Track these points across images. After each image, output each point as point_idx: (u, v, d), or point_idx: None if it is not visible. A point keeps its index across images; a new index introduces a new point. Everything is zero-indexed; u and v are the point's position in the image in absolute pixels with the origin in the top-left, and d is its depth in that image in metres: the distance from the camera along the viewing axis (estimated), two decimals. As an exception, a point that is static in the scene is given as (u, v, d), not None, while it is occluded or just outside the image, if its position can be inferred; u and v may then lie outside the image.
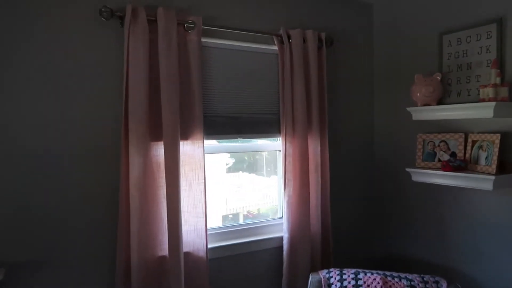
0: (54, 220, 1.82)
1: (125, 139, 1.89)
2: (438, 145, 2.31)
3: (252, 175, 2.61)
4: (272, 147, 2.54)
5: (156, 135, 1.96)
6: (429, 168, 2.28)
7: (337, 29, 2.62)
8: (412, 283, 2.05)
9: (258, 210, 2.63)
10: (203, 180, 2.08)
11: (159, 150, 1.97)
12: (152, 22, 1.94)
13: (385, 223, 2.77)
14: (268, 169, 2.69)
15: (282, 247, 2.39)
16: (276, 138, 2.50)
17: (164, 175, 1.96)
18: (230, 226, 2.37)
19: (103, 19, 1.87)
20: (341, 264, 2.61)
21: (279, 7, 2.41)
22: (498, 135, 1.97)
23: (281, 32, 2.33)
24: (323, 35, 2.45)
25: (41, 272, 1.79)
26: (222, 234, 2.31)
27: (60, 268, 1.83)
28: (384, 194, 2.76)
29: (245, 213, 2.58)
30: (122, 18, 1.90)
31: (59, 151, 1.82)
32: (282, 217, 2.50)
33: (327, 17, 2.59)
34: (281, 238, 2.40)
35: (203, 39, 2.09)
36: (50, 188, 1.81)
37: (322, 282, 2.14)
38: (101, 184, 1.92)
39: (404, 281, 2.06)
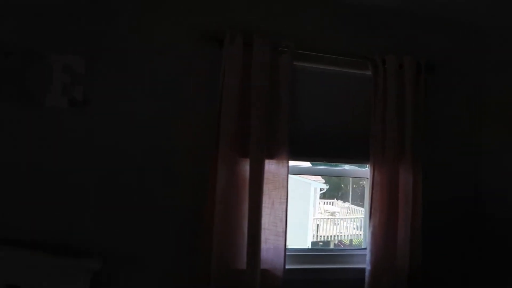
0: (147, 223, 2.01)
1: (215, 153, 2.02)
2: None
3: (347, 203, 2.56)
4: (359, 174, 2.46)
5: (244, 152, 2.05)
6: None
7: (440, 54, 2.47)
8: None
9: (350, 241, 2.56)
10: (285, 200, 2.10)
11: (245, 166, 2.06)
12: (247, 46, 2.06)
13: (492, 272, 2.43)
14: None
15: (362, 279, 2.26)
16: (364, 165, 2.42)
17: (248, 191, 2.03)
18: (309, 250, 2.34)
19: (204, 42, 2.06)
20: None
21: (375, 31, 2.37)
22: None
23: (375, 57, 2.29)
24: (423, 60, 2.34)
25: (131, 268, 1.98)
26: (300, 256, 2.28)
27: (146, 267, 2.00)
28: (495, 239, 2.43)
29: (336, 242, 2.53)
30: (220, 41, 2.07)
31: (152, 157, 2.02)
32: (366, 248, 2.39)
33: (430, 42, 2.46)
34: (363, 270, 2.28)
35: (295, 63, 2.16)
36: (145, 192, 2.01)
37: (405, 325, 1.96)
38: (188, 194, 2.06)
39: None
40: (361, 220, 2.50)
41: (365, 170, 2.43)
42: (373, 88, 2.30)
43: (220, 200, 1.98)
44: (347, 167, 2.45)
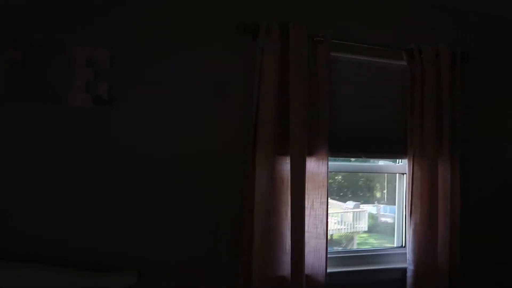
0: (181, 230, 1.85)
1: (253, 153, 1.87)
2: None
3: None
4: (394, 169, 2.36)
5: (283, 149, 1.91)
6: None
7: (475, 44, 2.38)
8: None
9: (331, 235, 2.51)
10: (326, 200, 1.98)
11: (284, 165, 1.92)
12: (284, 37, 1.92)
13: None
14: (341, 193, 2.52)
15: (403, 279, 2.17)
16: (396, 160, 2.33)
17: (288, 191, 1.90)
18: (343, 252, 2.23)
19: (239, 34, 1.90)
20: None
21: (411, 20, 2.27)
22: None
23: (411, 46, 2.18)
24: (458, 50, 2.24)
25: (167, 280, 1.82)
26: (336, 258, 2.17)
27: (185, 278, 1.84)
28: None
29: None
30: (255, 33, 1.91)
31: (186, 160, 1.85)
32: (402, 247, 2.30)
33: (464, 31, 2.38)
34: (402, 270, 2.19)
35: (331, 53, 2.03)
36: (178, 197, 1.84)
37: (457, 326, 1.88)
38: (225, 198, 1.91)
39: None
40: (341, 215, 2.42)
41: (400, 166, 2.33)
42: (409, 79, 2.19)
43: (259, 202, 1.84)
44: (381, 162, 2.34)
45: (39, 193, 1.65)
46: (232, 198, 1.91)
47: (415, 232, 2.13)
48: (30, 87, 1.63)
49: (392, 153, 2.24)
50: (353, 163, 2.32)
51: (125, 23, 1.77)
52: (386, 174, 2.47)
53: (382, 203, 2.61)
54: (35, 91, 1.63)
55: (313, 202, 1.98)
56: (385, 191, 2.60)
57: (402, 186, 2.35)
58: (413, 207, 2.14)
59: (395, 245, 2.36)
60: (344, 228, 2.60)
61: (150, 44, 1.81)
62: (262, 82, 1.86)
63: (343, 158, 2.25)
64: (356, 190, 2.58)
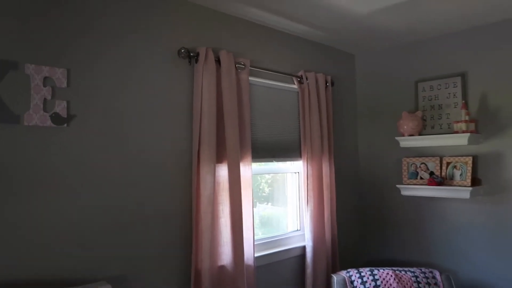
0: (138, 237, 2.00)
1: (198, 162, 2.17)
2: (419, 166, 2.97)
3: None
4: (291, 169, 2.97)
5: (220, 157, 2.26)
6: (415, 184, 2.93)
7: (334, 73, 3.21)
8: (415, 273, 2.61)
9: None
10: (251, 197, 2.42)
11: (221, 171, 2.27)
12: (217, 62, 2.28)
13: (376, 232, 3.34)
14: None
15: (302, 255, 2.79)
16: (293, 162, 2.95)
17: (224, 193, 2.27)
18: (257, 240, 2.70)
19: (181, 58, 2.17)
20: (345, 268, 3.08)
21: (297, 54, 2.92)
22: (471, 157, 2.69)
23: (300, 74, 2.83)
24: (329, 77, 3.01)
25: (128, 286, 1.95)
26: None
27: (145, 282, 2.00)
28: (373, 208, 3.34)
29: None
30: (194, 58, 2.21)
31: (140, 174, 2.02)
32: (298, 230, 2.93)
33: (328, 64, 3.18)
34: (301, 248, 2.80)
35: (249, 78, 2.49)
36: (134, 208, 1.99)
37: (346, 280, 2.59)
38: (176, 203, 2.15)
39: (409, 273, 2.61)
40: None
41: (291, 166, 2.96)
42: (300, 98, 2.83)
43: (205, 203, 2.15)
44: (279, 165, 2.91)
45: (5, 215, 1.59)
46: (182, 202, 2.16)
47: (312, 217, 2.77)
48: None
49: (292, 157, 2.84)
50: (263, 166, 2.83)
51: (82, 43, 1.83)
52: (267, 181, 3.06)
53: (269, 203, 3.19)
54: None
55: (243, 200, 2.39)
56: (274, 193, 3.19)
57: (296, 183, 2.98)
58: (308, 197, 2.78)
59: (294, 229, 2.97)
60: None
61: (105, 63, 1.91)
62: (204, 100, 2.18)
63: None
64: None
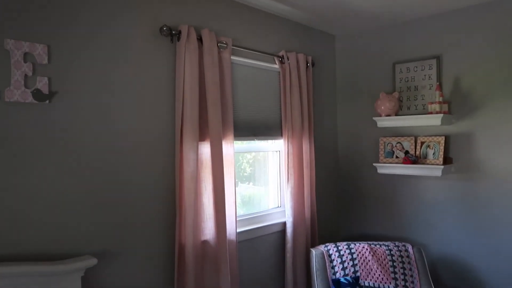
0: (122, 213, 2.03)
1: (180, 139, 2.20)
2: (395, 146, 3.08)
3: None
4: (273, 148, 3.03)
5: (202, 135, 2.30)
6: (391, 163, 3.04)
7: (315, 54, 3.26)
8: (389, 247, 2.75)
9: None
10: (234, 175, 2.47)
11: (203, 149, 2.32)
12: (199, 41, 2.29)
13: (354, 208, 3.47)
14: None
15: (283, 230, 2.89)
16: (274, 140, 3.01)
17: (206, 170, 2.31)
18: (239, 216, 2.78)
19: (163, 35, 2.17)
20: (324, 243, 3.21)
21: (279, 34, 2.94)
22: (443, 137, 2.81)
23: (282, 54, 2.86)
24: (310, 58, 3.06)
25: (115, 261, 1.99)
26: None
27: (129, 256, 2.05)
28: (351, 186, 3.47)
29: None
30: (176, 36, 2.22)
31: (123, 150, 2.04)
32: (279, 206, 3.02)
33: (309, 45, 3.22)
34: (282, 223, 2.90)
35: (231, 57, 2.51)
36: (119, 184, 2.02)
37: (324, 254, 2.70)
38: (159, 179, 2.18)
39: (383, 247, 2.75)
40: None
41: (272, 145, 3.02)
42: (282, 78, 2.88)
43: (189, 179, 2.19)
44: (260, 143, 2.96)
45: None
46: (166, 179, 2.20)
47: (292, 194, 2.86)
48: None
49: (273, 136, 2.90)
50: (244, 145, 2.88)
51: (62, 19, 1.81)
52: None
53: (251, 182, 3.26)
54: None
55: (226, 177, 2.45)
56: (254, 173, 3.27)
57: (277, 161, 3.06)
58: (289, 175, 2.86)
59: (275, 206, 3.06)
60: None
61: (86, 40, 1.90)
62: (187, 77, 2.20)
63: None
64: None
